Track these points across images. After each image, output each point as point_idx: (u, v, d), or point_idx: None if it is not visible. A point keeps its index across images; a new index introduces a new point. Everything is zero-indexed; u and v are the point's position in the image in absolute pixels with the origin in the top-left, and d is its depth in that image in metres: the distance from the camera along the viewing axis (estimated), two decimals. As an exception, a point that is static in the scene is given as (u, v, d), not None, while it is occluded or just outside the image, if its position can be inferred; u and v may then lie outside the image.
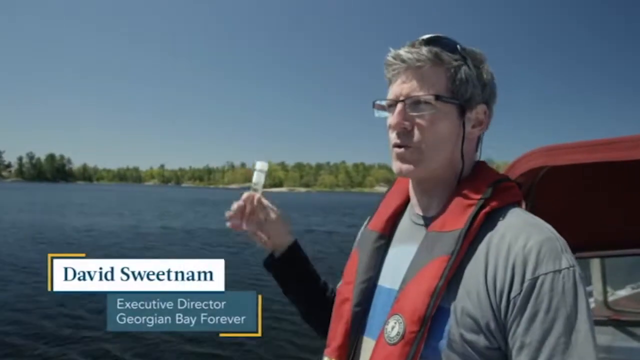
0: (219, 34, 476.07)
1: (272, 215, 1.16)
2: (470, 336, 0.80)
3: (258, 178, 1.17)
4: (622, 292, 3.20)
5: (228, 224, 1.15)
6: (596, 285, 2.92)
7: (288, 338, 6.16)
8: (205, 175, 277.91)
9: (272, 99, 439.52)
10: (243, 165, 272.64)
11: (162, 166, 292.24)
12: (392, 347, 0.84)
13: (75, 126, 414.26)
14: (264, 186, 1.18)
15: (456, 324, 0.81)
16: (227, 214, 1.14)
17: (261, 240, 1.17)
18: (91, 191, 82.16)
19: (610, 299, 2.99)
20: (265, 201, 1.15)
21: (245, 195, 1.15)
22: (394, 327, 0.85)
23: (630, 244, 2.29)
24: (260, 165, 1.17)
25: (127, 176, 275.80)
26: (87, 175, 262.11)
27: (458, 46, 0.91)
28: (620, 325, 2.77)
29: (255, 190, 1.16)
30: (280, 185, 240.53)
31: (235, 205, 1.14)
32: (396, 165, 0.93)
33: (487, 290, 0.81)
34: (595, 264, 2.88)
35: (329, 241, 17.95)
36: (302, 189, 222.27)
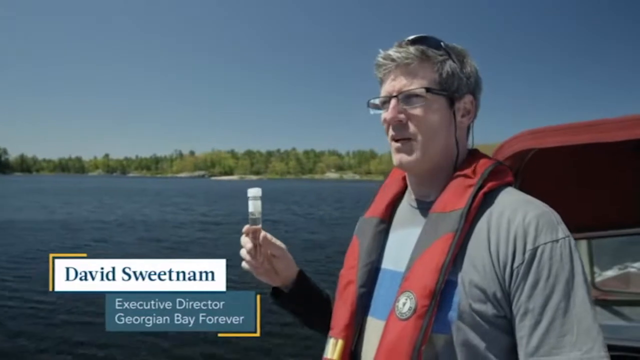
0: (163, 15, 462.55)
1: (278, 250, 1.15)
2: (479, 306, 0.86)
3: (255, 207, 1.08)
4: (609, 273, 3.30)
5: (246, 267, 1.14)
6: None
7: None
8: (152, 165, 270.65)
9: (220, 85, 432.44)
10: (192, 153, 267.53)
11: (106, 156, 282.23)
12: (404, 322, 0.88)
13: (10, 114, 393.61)
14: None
15: (465, 295, 0.87)
16: (244, 264, 1.13)
17: (269, 278, 1.16)
18: (31, 183, 78.10)
19: (598, 279, 3.09)
20: (269, 235, 1.12)
21: (245, 228, 1.10)
22: (405, 303, 0.89)
23: (616, 225, 2.34)
24: (254, 192, 1.08)
25: (70, 166, 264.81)
26: (26, 166, 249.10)
27: (442, 43, 0.98)
28: (607, 305, 2.84)
29: (255, 221, 1.08)
30: (230, 173, 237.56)
31: (245, 253, 1.12)
32: (396, 158, 1.00)
33: (492, 262, 0.87)
34: (582, 246, 2.93)
35: (273, 231, 17.73)
36: (253, 177, 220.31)
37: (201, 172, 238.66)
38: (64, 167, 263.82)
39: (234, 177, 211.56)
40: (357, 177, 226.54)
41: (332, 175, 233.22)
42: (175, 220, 21.77)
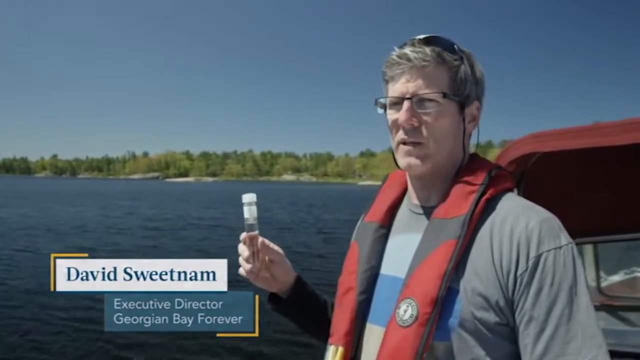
0: (116, 10, 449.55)
1: (277, 255, 1.13)
2: (481, 314, 0.86)
3: (250, 212, 1.06)
4: (616, 278, 3.26)
5: (243, 273, 1.11)
6: (589, 271, 2.90)
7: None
8: (104, 166, 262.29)
9: (174, 85, 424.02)
10: (145, 154, 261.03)
11: (54, 156, 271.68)
12: (406, 330, 0.87)
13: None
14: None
15: (467, 302, 0.87)
16: (241, 270, 1.11)
17: (267, 284, 1.14)
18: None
19: (604, 284, 3.03)
20: (267, 241, 1.10)
21: (242, 236, 1.08)
22: (407, 310, 0.88)
23: (622, 229, 2.31)
24: (249, 198, 1.07)
25: (15, 167, 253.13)
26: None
27: (455, 46, 0.96)
28: (613, 310, 2.80)
29: (251, 227, 1.07)
30: (185, 175, 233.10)
31: (243, 261, 1.10)
32: (404, 162, 0.97)
33: (495, 269, 0.87)
34: (588, 250, 2.90)
35: (220, 237, 16.55)
36: (209, 179, 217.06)
37: (155, 174, 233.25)
38: (8, 167, 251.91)
39: (190, 179, 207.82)
40: (313, 179, 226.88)
41: (288, 177, 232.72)
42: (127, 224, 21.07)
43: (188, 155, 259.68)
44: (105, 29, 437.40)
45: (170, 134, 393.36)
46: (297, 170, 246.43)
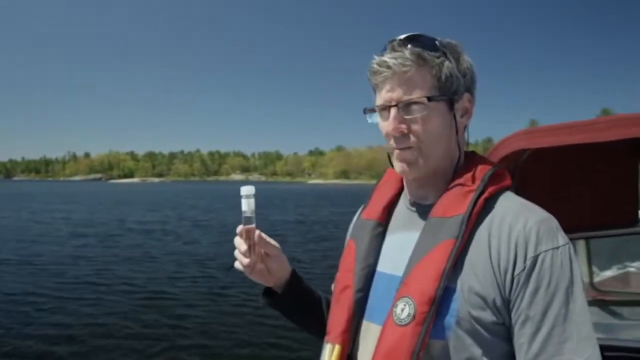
0: (52, 16, 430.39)
1: (273, 249, 1.10)
2: (478, 313, 0.86)
3: (248, 205, 1.04)
4: (608, 273, 3.30)
5: (239, 267, 1.09)
6: (582, 267, 2.94)
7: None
8: (42, 167, 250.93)
9: (116, 83, 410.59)
10: (87, 155, 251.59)
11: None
12: (403, 328, 0.87)
13: None
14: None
15: (464, 301, 0.86)
16: (237, 264, 1.09)
17: (263, 278, 1.11)
18: None
19: (596, 279, 3.07)
20: (264, 235, 1.08)
21: (239, 228, 1.06)
22: (404, 309, 0.88)
23: (614, 225, 2.32)
24: (247, 190, 1.05)
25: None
26: None
27: (437, 42, 0.94)
28: (606, 305, 2.83)
29: (249, 220, 1.05)
30: (130, 176, 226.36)
31: (239, 254, 1.08)
32: (400, 167, 0.97)
33: (492, 268, 0.86)
34: (580, 246, 2.94)
35: (156, 242, 15.52)
36: (155, 179, 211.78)
37: (97, 175, 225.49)
38: None
39: (135, 180, 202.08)
40: (262, 178, 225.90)
41: (237, 176, 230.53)
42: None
43: (133, 155, 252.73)
44: (45, 23, 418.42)
45: (113, 133, 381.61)
46: (245, 170, 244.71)
